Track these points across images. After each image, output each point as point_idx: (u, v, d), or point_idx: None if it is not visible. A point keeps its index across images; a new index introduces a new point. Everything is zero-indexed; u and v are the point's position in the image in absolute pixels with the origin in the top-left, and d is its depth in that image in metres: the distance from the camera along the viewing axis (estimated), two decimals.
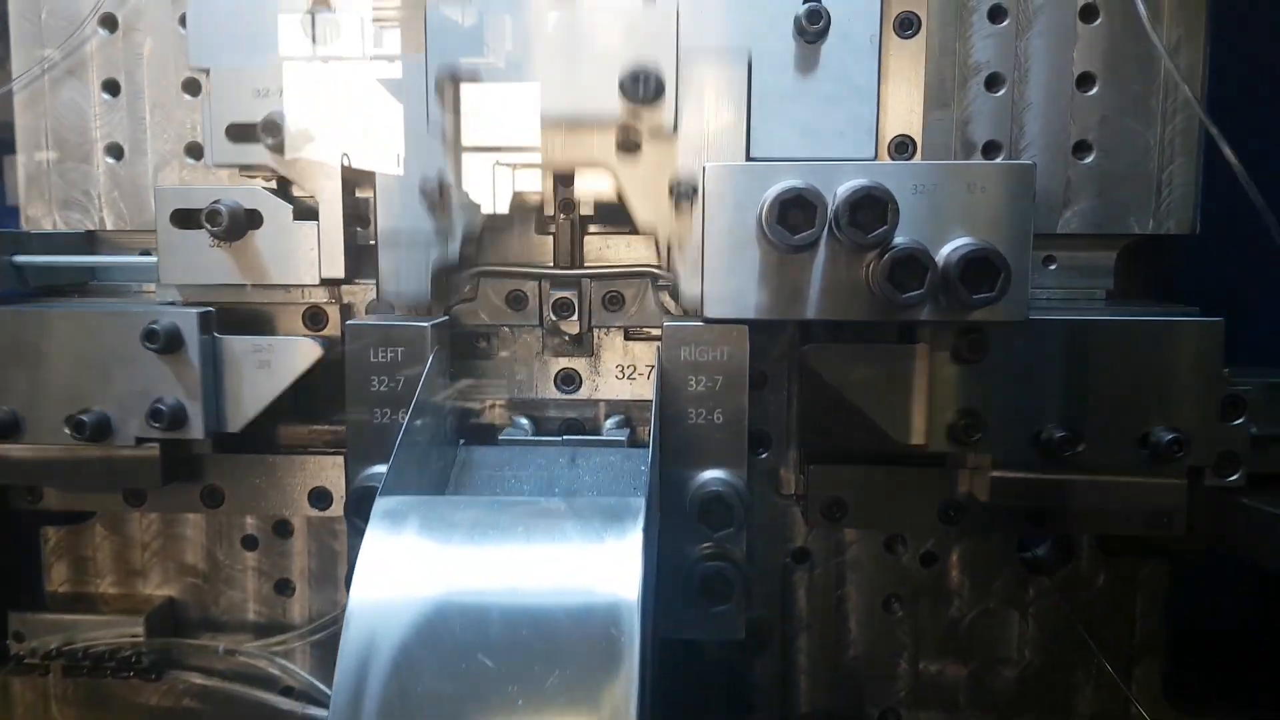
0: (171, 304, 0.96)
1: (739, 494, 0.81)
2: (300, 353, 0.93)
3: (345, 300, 1.00)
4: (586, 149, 0.88)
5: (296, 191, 0.99)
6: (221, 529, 1.11)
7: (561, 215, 0.96)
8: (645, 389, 0.98)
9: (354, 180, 0.96)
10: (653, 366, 0.97)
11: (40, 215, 1.07)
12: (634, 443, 0.94)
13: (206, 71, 0.93)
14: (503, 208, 0.93)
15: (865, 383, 0.87)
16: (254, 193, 0.94)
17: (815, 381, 0.94)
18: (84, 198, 1.07)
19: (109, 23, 1.05)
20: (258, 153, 0.92)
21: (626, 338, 0.99)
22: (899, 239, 0.77)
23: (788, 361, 1.00)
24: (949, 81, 1.00)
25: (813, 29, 0.86)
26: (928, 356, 0.85)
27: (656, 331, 0.97)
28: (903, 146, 0.96)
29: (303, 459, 1.01)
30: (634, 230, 0.98)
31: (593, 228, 0.99)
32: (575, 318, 0.95)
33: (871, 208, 0.75)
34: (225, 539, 1.11)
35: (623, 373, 0.99)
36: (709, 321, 0.83)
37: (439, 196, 0.88)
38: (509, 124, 0.87)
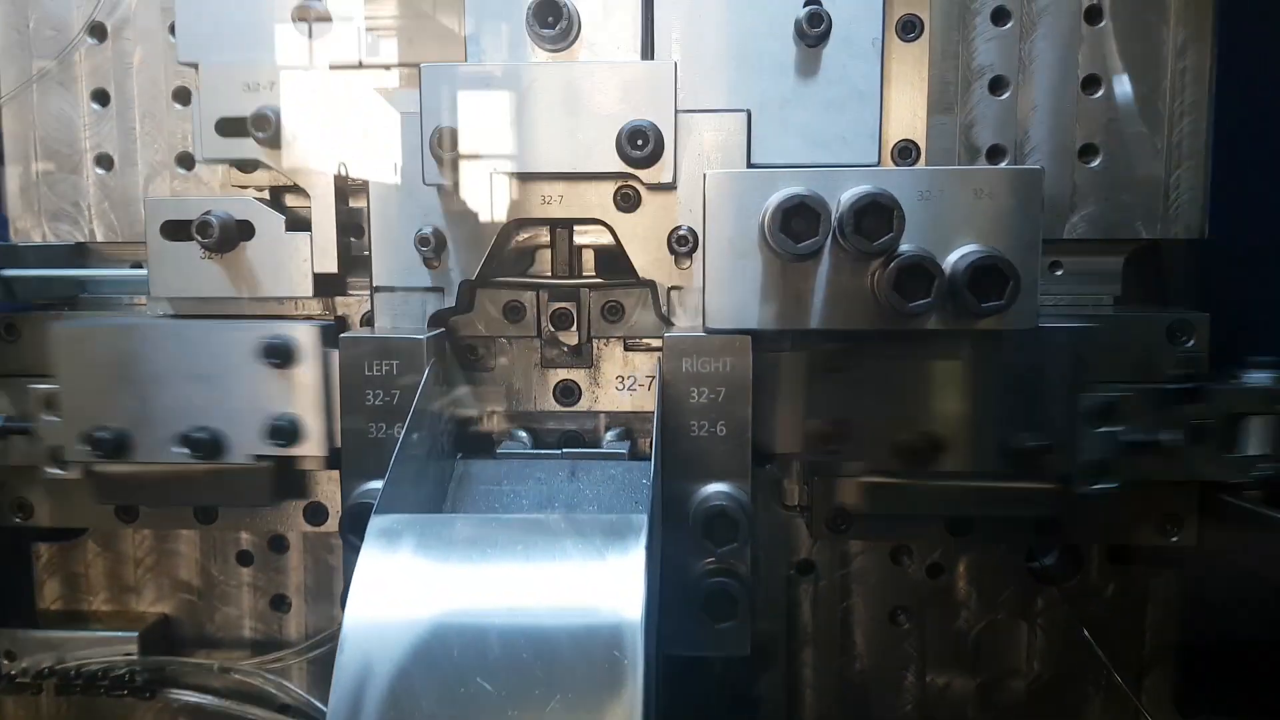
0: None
1: (743, 508, 0.79)
2: None
3: (339, 312, 0.99)
4: (584, 205, 0.87)
5: (290, 202, 0.98)
6: (216, 545, 1.09)
7: (559, 228, 0.95)
8: (646, 401, 0.96)
9: (346, 179, 0.94)
10: (653, 378, 0.95)
11: (29, 227, 1.06)
12: (635, 456, 0.92)
13: (196, 66, 0.92)
14: (499, 254, 0.92)
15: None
16: (245, 203, 0.92)
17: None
18: (73, 209, 1.05)
19: (98, 32, 1.04)
20: (248, 147, 0.91)
21: (626, 349, 0.98)
22: (904, 247, 0.76)
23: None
24: (952, 85, 0.99)
25: (814, 32, 0.85)
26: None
27: (657, 342, 0.96)
28: (906, 152, 0.94)
29: (295, 473, 0.99)
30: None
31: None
32: (574, 328, 0.94)
33: (876, 215, 0.73)
34: (220, 555, 1.09)
35: (623, 384, 0.97)
36: (711, 332, 0.81)
37: (435, 247, 0.87)
38: (505, 179, 0.87)
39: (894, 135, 0.94)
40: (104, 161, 1.05)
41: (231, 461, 0.90)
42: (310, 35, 0.89)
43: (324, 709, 0.97)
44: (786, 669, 1.06)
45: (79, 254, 1.06)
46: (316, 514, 1.00)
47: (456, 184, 0.85)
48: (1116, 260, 1.01)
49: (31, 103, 1.04)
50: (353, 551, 0.68)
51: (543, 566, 0.64)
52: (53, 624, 1.09)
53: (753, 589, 0.82)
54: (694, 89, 0.88)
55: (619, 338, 0.97)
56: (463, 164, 0.83)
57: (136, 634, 1.06)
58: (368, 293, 0.96)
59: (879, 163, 0.88)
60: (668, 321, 0.88)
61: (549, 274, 0.96)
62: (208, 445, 0.88)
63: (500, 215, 0.88)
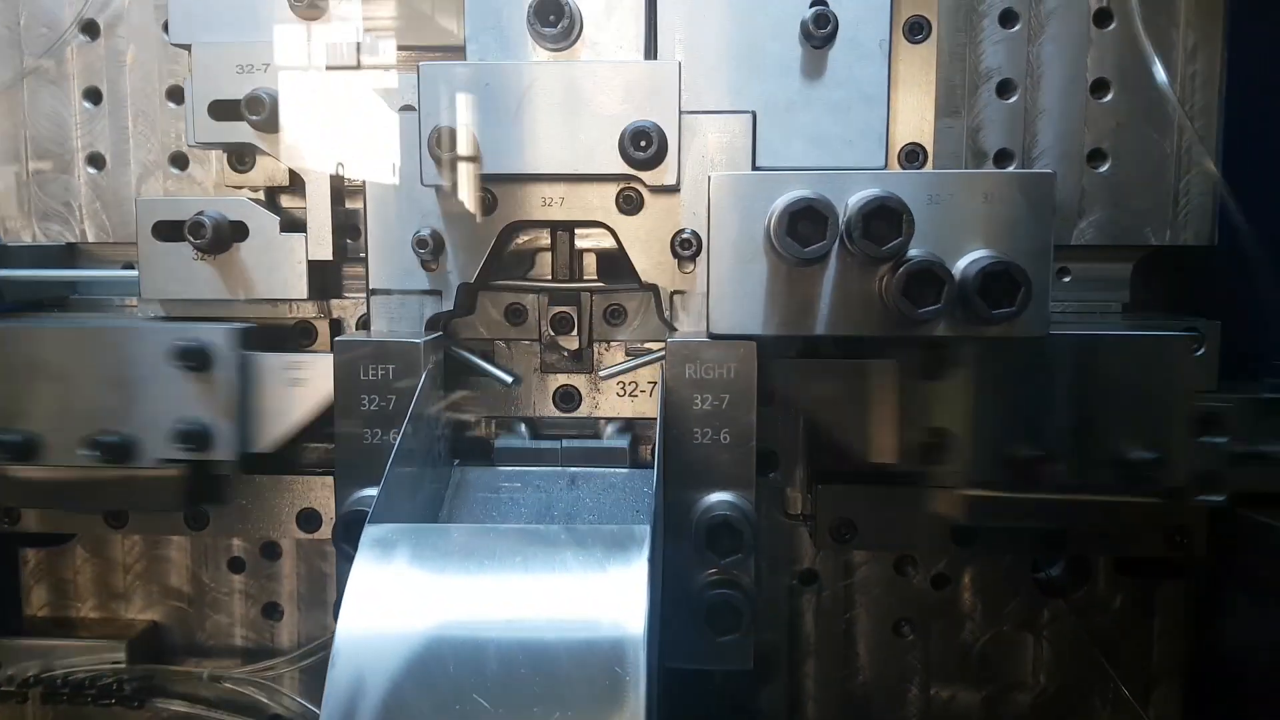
0: (206, 319, 0.92)
1: (747, 518, 0.77)
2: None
3: (335, 315, 0.97)
4: (586, 208, 0.85)
5: (286, 203, 0.96)
6: (207, 551, 1.08)
7: (560, 230, 0.93)
8: (647, 407, 0.95)
9: (343, 180, 0.93)
10: (655, 383, 0.94)
11: (19, 227, 1.04)
12: (636, 463, 0.90)
13: (188, 48, 0.90)
14: (498, 257, 0.90)
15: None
16: (239, 204, 0.90)
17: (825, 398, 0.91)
18: (64, 209, 1.04)
19: (90, 29, 1.02)
20: (241, 130, 0.89)
21: (628, 353, 0.96)
22: (913, 251, 0.74)
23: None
24: (959, 88, 0.98)
25: (820, 34, 0.83)
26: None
27: (660, 347, 0.94)
28: (913, 155, 0.93)
29: (290, 479, 0.98)
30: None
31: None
32: (575, 333, 0.92)
33: (885, 219, 0.72)
34: (211, 561, 1.08)
35: (624, 390, 0.96)
36: (715, 337, 0.80)
37: (433, 249, 0.86)
38: (505, 181, 0.85)
39: (901, 138, 0.92)
40: (96, 161, 1.03)
41: (142, 466, 0.88)
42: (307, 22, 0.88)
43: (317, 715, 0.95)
44: (788, 681, 1.04)
45: (70, 255, 1.05)
46: (310, 520, 0.98)
47: (455, 185, 0.83)
48: (1125, 267, 1.00)
49: (22, 101, 1.03)
50: (346, 561, 0.67)
51: (542, 578, 0.62)
52: (39, 631, 1.07)
53: (756, 602, 0.80)
54: (697, 90, 0.86)
55: (621, 342, 0.95)
56: (462, 165, 0.82)
57: (125, 642, 1.04)
58: (364, 295, 0.94)
59: (885, 166, 0.87)
60: (670, 326, 0.86)
61: (549, 277, 0.94)
62: (116, 449, 0.86)
63: (500, 217, 0.86)
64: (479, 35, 0.86)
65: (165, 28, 0.99)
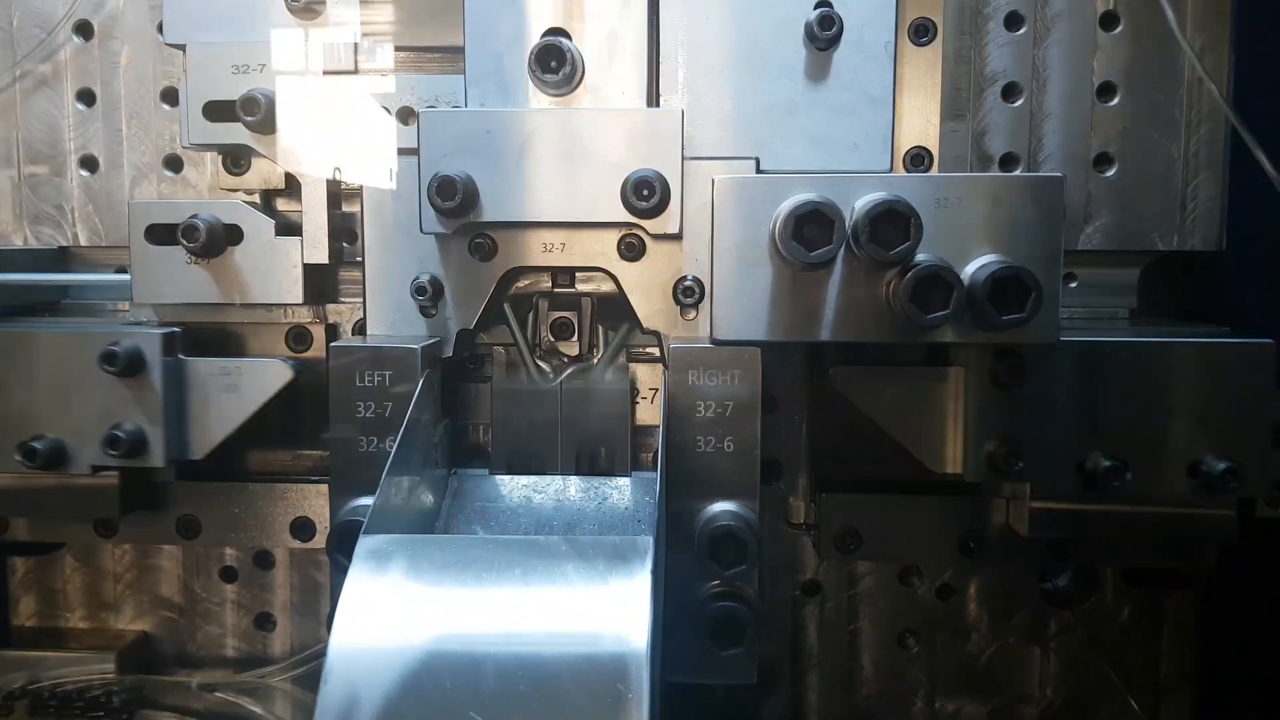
0: (138, 324, 0.91)
1: (751, 529, 0.76)
2: (270, 375, 0.89)
3: (330, 320, 0.96)
4: (587, 254, 0.85)
5: (281, 206, 0.95)
6: (199, 560, 1.06)
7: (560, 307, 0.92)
8: (649, 414, 0.93)
9: (340, 183, 0.91)
10: (657, 390, 0.92)
11: (10, 231, 1.03)
12: (638, 468, 0.89)
13: (183, 48, 0.89)
14: (498, 303, 0.90)
15: (896, 407, 0.82)
16: (233, 207, 0.89)
17: (830, 406, 0.90)
18: (56, 212, 1.03)
19: (84, 30, 1.01)
20: (237, 131, 0.88)
21: (630, 359, 0.94)
22: (921, 256, 0.73)
23: (800, 384, 0.95)
24: (964, 91, 0.97)
25: (824, 35, 0.82)
26: (963, 380, 0.81)
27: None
28: (918, 159, 0.91)
29: (284, 487, 0.97)
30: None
31: None
32: (575, 338, 0.90)
33: (893, 223, 0.70)
34: (203, 571, 1.06)
35: None
36: (718, 343, 0.78)
37: (432, 295, 0.85)
38: (506, 228, 0.84)
39: (906, 142, 0.91)
40: (89, 163, 1.02)
41: (76, 473, 0.87)
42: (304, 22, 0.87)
43: None
44: (791, 694, 1.03)
45: (62, 259, 1.04)
46: (304, 529, 0.97)
47: (455, 232, 0.82)
48: (1132, 272, 0.99)
49: (15, 103, 1.02)
50: (340, 571, 0.65)
51: (542, 591, 0.61)
52: (27, 642, 1.06)
53: (760, 615, 0.78)
54: (699, 92, 0.85)
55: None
56: (462, 213, 0.80)
57: (114, 653, 1.03)
58: (360, 300, 0.93)
59: (891, 170, 0.86)
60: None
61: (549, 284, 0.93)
62: (46, 455, 0.85)
63: (500, 263, 0.85)
64: (480, 80, 0.85)
65: (160, 28, 0.97)
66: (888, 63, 0.85)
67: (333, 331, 0.96)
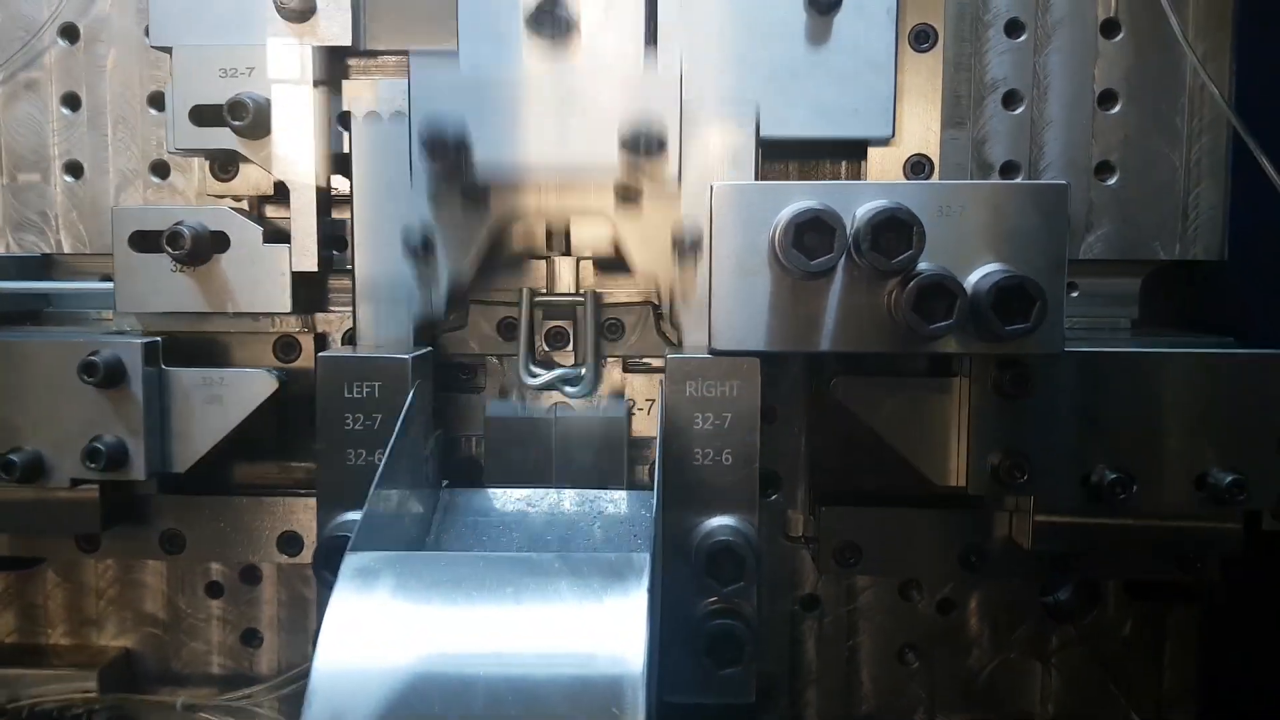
0: (121, 333, 0.89)
1: (750, 544, 0.74)
2: (255, 386, 0.87)
3: (319, 329, 0.94)
4: (583, 201, 0.83)
5: (270, 213, 0.93)
6: (184, 575, 1.04)
7: (558, 254, 0.90)
8: (645, 425, 0.92)
9: (329, 189, 0.90)
10: (654, 401, 0.91)
11: None
12: (633, 485, 0.87)
13: (169, 50, 0.87)
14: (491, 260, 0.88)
15: (898, 419, 0.81)
16: (220, 213, 0.87)
17: (829, 417, 0.88)
18: (40, 219, 1.01)
19: (70, 33, 1.00)
20: (224, 136, 0.86)
21: (625, 370, 0.93)
22: (923, 264, 0.71)
23: (798, 395, 0.94)
24: (964, 99, 0.96)
25: None
26: (966, 391, 0.79)
27: (658, 363, 0.91)
28: (919, 166, 0.90)
29: (271, 501, 0.95)
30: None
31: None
32: (571, 348, 0.89)
33: (895, 231, 0.69)
34: (188, 586, 1.04)
35: None
36: (716, 354, 0.77)
37: (423, 249, 0.83)
38: (499, 180, 0.82)
39: (907, 150, 0.90)
40: (73, 169, 1.01)
41: (55, 486, 0.85)
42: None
43: None
44: (789, 710, 1.01)
45: (45, 266, 1.02)
46: (291, 544, 0.95)
47: (447, 183, 0.79)
48: (1133, 282, 0.98)
49: None
50: (327, 588, 0.63)
51: (534, 610, 0.59)
52: (7, 659, 1.03)
53: (759, 633, 0.77)
54: (697, 57, 0.83)
55: (618, 358, 0.92)
56: (454, 163, 0.78)
57: (96, 670, 1.01)
58: (349, 309, 0.91)
59: (894, 136, 0.85)
60: (671, 324, 0.83)
61: (543, 286, 0.91)
62: (24, 468, 0.83)
63: (493, 215, 0.83)
64: (473, 31, 0.83)
65: (148, 32, 0.95)
66: (890, 27, 0.84)
67: (322, 341, 0.94)
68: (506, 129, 0.79)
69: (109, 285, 0.91)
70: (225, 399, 0.87)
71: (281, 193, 0.89)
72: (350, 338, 0.94)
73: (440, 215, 0.83)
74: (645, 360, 0.92)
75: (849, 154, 0.92)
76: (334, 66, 0.88)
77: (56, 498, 0.87)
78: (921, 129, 0.89)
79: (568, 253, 0.89)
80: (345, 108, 0.85)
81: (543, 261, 0.92)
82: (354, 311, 0.86)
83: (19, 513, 0.88)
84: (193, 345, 0.92)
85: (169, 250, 0.84)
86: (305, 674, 0.91)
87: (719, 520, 0.76)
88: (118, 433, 0.84)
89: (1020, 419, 0.79)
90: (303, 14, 0.85)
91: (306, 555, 0.95)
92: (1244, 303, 0.97)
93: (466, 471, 0.92)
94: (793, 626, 1.00)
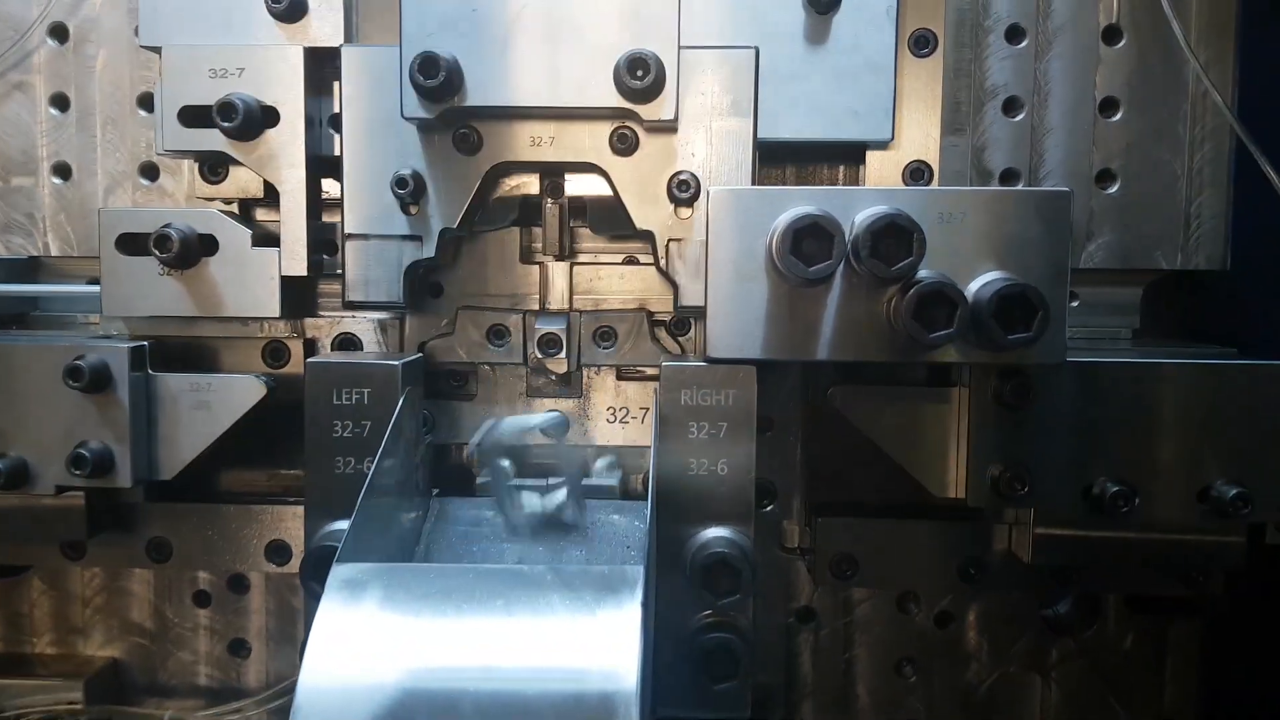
0: (107, 337, 0.88)
1: (746, 556, 0.73)
2: (243, 392, 0.86)
3: (309, 334, 0.93)
4: (577, 148, 0.81)
5: (260, 216, 0.92)
6: (171, 584, 1.03)
7: (549, 200, 0.88)
8: (639, 434, 0.91)
9: (320, 193, 0.88)
10: (648, 409, 0.90)
11: None
12: (627, 494, 0.86)
13: (159, 50, 0.86)
14: (483, 202, 0.86)
15: (897, 429, 0.80)
16: (208, 216, 0.86)
17: (826, 427, 0.87)
18: (27, 221, 1.00)
19: (59, 33, 0.99)
20: (213, 138, 0.85)
21: (619, 378, 0.92)
22: (923, 272, 0.70)
23: (795, 404, 0.93)
24: (964, 105, 0.95)
25: None
26: (966, 401, 0.78)
27: (653, 371, 0.90)
28: (918, 173, 0.89)
29: (259, 509, 0.94)
30: (629, 260, 0.91)
31: (583, 257, 0.92)
32: (563, 355, 0.88)
33: (895, 237, 0.68)
34: (175, 595, 1.03)
35: (615, 416, 0.92)
36: (712, 361, 0.75)
37: (414, 190, 0.80)
38: (492, 117, 0.80)
39: (906, 156, 0.89)
40: (61, 171, 0.99)
41: (40, 492, 0.84)
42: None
43: None
44: None
45: (32, 269, 1.01)
46: (280, 552, 0.93)
47: (438, 118, 0.78)
48: (1135, 291, 0.97)
49: None
50: (315, 599, 0.62)
51: (525, 624, 0.58)
52: None
53: (755, 646, 0.75)
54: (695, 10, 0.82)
55: (611, 366, 0.91)
56: (445, 96, 0.76)
57: (82, 680, 0.99)
58: (339, 314, 0.90)
59: (893, 139, 0.84)
60: (669, 279, 0.82)
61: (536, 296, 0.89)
62: (7, 474, 0.82)
63: (485, 157, 0.81)
64: None
65: (138, 31, 0.94)
66: (890, 27, 0.83)
67: (311, 346, 0.93)
68: (498, 61, 0.77)
69: (96, 289, 0.90)
70: (213, 405, 0.86)
71: (271, 195, 0.88)
72: (341, 343, 0.93)
73: (431, 158, 0.81)
74: (640, 369, 0.91)
75: (847, 158, 0.91)
76: (325, 67, 0.87)
77: (41, 505, 0.86)
78: (921, 135, 0.89)
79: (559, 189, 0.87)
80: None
81: (535, 267, 0.91)
82: (342, 256, 0.84)
83: (3, 520, 0.87)
84: (180, 350, 0.91)
85: (156, 253, 0.83)
86: (293, 687, 0.90)
87: (714, 531, 0.75)
88: (103, 439, 0.83)
89: (1021, 430, 0.77)
90: (294, 14, 0.84)
91: (295, 564, 0.93)
92: (1247, 313, 0.96)
93: (457, 480, 0.90)
94: (788, 639, 0.99)
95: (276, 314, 0.86)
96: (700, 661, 0.74)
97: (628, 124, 0.80)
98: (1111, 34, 0.94)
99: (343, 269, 0.84)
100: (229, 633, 1.02)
